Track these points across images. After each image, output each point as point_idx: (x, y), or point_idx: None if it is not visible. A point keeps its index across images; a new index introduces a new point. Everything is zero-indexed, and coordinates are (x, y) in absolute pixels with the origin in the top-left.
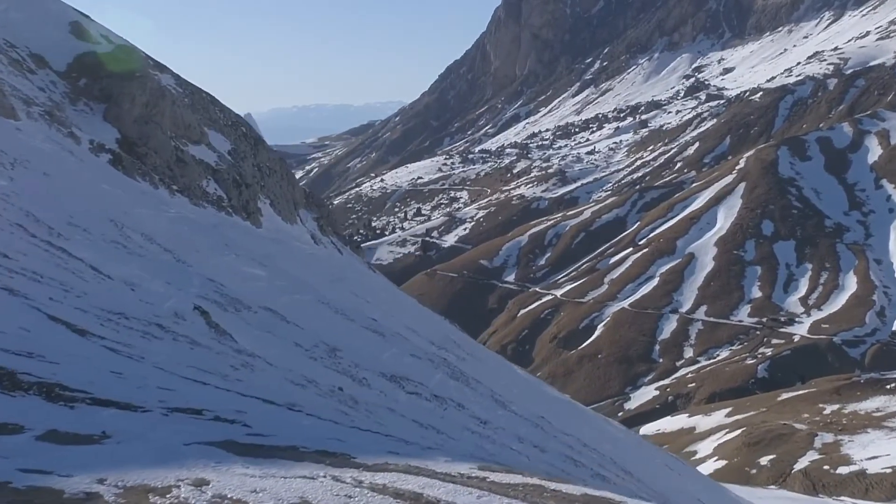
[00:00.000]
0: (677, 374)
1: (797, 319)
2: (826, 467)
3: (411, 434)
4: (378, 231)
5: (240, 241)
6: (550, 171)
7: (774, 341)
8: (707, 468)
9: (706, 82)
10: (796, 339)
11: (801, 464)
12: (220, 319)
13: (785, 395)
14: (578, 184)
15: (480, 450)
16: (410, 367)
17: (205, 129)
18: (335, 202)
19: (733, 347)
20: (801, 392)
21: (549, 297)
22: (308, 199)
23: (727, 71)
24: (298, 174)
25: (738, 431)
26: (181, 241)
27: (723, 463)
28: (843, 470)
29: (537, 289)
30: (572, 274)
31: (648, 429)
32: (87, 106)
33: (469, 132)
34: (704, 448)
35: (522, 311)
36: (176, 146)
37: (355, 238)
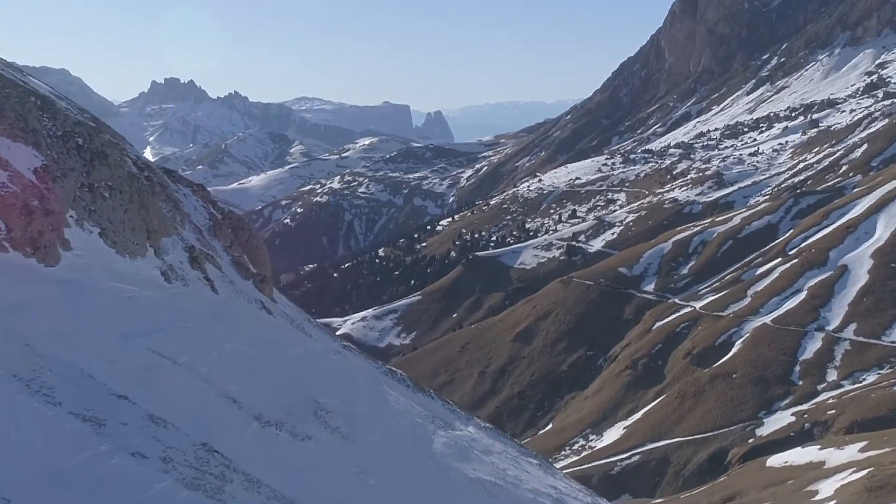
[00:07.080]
0: (817, 399)
1: None
2: None
3: None
4: (531, 233)
5: None
6: (708, 173)
7: None
8: None
9: (888, 79)
10: None
11: None
12: None
13: None
14: (735, 187)
15: None
16: (104, 474)
17: None
18: (492, 202)
19: (882, 371)
20: None
21: (688, 310)
22: (220, 222)
23: None
24: (467, 173)
25: (865, 472)
26: None
27: None
28: None
29: (676, 300)
30: (715, 285)
31: (775, 460)
32: None
33: (638, 131)
34: (826, 489)
35: (658, 324)
36: None
37: (503, 243)
